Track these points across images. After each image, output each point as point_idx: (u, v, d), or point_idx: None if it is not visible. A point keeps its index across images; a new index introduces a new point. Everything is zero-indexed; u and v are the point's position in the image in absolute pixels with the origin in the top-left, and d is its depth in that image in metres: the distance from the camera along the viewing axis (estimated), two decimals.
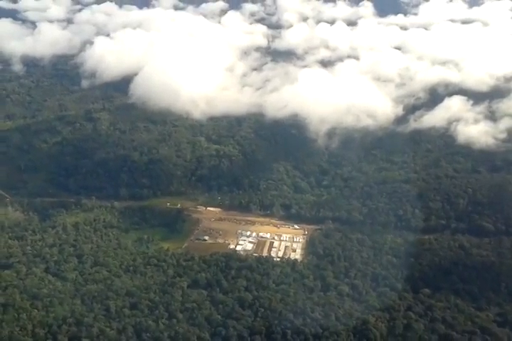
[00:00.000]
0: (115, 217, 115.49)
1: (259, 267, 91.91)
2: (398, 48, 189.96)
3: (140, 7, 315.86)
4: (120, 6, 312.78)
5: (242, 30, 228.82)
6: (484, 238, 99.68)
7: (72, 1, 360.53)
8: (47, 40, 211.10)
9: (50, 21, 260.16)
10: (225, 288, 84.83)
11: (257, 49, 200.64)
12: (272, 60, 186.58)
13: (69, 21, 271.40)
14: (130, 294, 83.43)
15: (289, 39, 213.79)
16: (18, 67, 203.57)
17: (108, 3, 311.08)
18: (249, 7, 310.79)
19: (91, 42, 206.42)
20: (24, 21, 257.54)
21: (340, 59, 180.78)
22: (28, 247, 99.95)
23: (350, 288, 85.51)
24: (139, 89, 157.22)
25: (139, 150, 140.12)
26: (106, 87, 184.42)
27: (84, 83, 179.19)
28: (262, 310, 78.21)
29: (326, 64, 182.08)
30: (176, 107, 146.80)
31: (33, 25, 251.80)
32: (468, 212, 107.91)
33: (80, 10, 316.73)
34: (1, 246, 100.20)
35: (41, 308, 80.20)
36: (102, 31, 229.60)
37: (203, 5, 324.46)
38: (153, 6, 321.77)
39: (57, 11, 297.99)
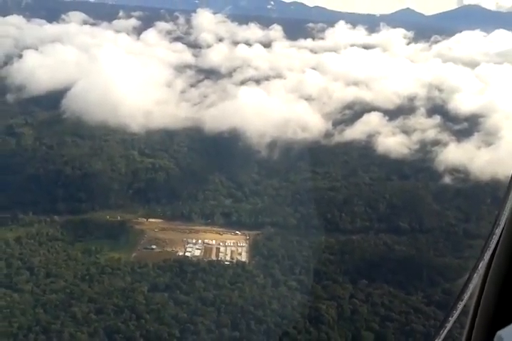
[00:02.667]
0: (57, 230, 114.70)
1: (212, 270, 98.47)
2: (314, 69, 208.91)
3: (49, 21, 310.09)
4: (28, 20, 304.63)
5: (165, 48, 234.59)
6: (402, 236, 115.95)
7: None
8: None
9: None
10: (185, 290, 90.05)
11: (186, 66, 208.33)
12: (205, 78, 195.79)
13: None
14: (93, 300, 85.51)
15: (211, 58, 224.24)
16: None
17: (15, 15, 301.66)
18: (162, 25, 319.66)
19: (13, 56, 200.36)
20: None
21: (266, 78, 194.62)
22: None
23: (297, 283, 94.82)
24: (72, 103, 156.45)
25: (70, 165, 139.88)
26: (26, 102, 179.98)
27: (10, 97, 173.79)
28: (224, 306, 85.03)
29: (253, 82, 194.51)
30: (111, 121, 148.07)
31: None
32: (387, 214, 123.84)
33: None
34: None
35: (2, 320, 79.87)
36: (22, 44, 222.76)
37: (115, 21, 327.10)
38: (64, 21, 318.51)
39: None
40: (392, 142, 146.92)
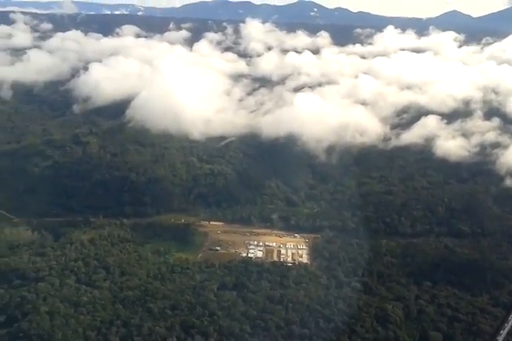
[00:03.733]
0: (127, 232, 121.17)
1: (275, 270, 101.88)
2: (366, 74, 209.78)
3: (105, 35, 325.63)
4: (85, 34, 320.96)
5: (217, 58, 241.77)
6: (463, 239, 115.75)
7: (31, 28, 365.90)
8: (36, 67, 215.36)
9: (18, 49, 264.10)
10: (252, 289, 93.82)
11: (240, 75, 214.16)
12: (260, 86, 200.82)
13: (37, 48, 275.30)
14: (167, 297, 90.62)
15: (263, 66, 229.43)
16: (6, 93, 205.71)
17: (74, 30, 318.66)
18: (211, 36, 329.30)
19: (79, 69, 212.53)
20: (7, 49, 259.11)
21: (319, 84, 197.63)
22: (53, 262, 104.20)
23: (361, 285, 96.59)
24: (135, 112, 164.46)
25: (134, 171, 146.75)
26: (91, 112, 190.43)
27: (76, 108, 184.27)
28: (291, 304, 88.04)
29: (306, 89, 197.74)
30: (172, 129, 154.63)
31: (16, 52, 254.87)
32: (447, 218, 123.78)
33: (42, 37, 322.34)
34: (26, 262, 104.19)
35: (86, 314, 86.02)
36: (84, 58, 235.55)
37: (166, 33, 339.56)
38: (118, 34, 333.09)
39: (22, 38, 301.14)
40: (451, 145, 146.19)
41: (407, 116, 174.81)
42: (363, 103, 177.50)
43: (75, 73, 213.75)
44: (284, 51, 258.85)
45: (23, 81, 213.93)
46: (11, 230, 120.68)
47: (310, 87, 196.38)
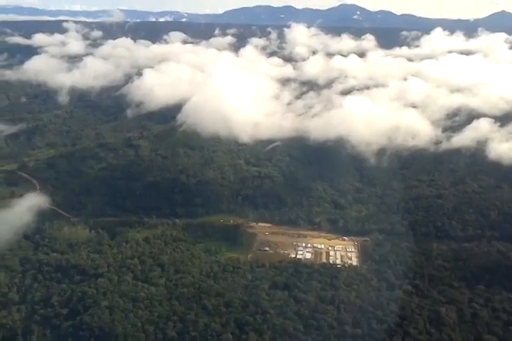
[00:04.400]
0: (180, 232, 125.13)
1: (325, 272, 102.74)
2: (415, 77, 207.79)
3: (153, 42, 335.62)
4: (135, 41, 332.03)
5: (264, 62, 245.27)
6: None
7: (83, 36, 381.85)
8: (91, 73, 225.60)
9: (73, 56, 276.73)
10: (303, 289, 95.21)
11: (288, 79, 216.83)
12: (308, 89, 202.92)
13: (90, 55, 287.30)
14: (220, 295, 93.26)
15: (310, 70, 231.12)
16: (64, 99, 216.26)
17: (124, 38, 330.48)
18: (256, 41, 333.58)
19: (132, 75, 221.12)
20: (63, 56, 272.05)
21: (367, 87, 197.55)
22: (111, 259, 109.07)
23: (412, 287, 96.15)
24: (186, 116, 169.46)
25: (185, 174, 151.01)
26: (142, 117, 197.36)
27: (129, 113, 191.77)
28: (343, 305, 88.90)
29: (354, 92, 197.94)
30: (221, 133, 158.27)
31: (71, 59, 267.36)
32: (499, 222, 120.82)
33: (93, 45, 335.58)
34: (85, 259, 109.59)
35: (144, 309, 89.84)
36: (136, 64, 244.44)
37: (212, 39, 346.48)
38: (165, 41, 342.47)
39: (76, 46, 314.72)
40: (504, 148, 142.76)
41: (458, 119, 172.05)
42: (413, 106, 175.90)
43: (128, 79, 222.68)
44: (330, 55, 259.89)
45: (80, 87, 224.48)
46: (70, 229, 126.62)
47: (358, 90, 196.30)
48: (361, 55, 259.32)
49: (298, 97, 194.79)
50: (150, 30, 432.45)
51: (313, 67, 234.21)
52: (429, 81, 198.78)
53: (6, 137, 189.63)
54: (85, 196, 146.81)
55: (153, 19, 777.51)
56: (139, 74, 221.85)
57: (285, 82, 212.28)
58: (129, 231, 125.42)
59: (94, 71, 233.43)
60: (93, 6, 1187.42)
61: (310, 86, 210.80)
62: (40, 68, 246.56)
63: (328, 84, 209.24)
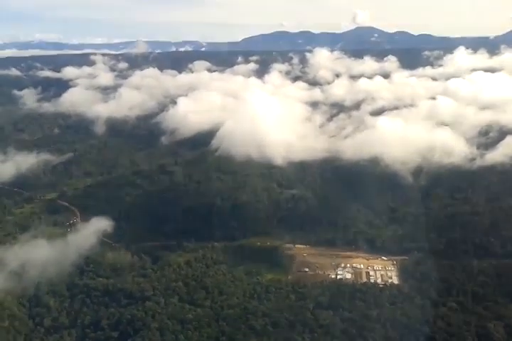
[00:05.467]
0: (219, 255, 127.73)
1: (368, 291, 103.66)
2: (443, 96, 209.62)
3: (178, 71, 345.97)
4: (161, 71, 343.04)
5: (290, 87, 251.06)
6: None
7: (110, 68, 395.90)
8: (126, 103, 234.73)
9: (104, 87, 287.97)
10: (347, 308, 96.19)
11: (316, 102, 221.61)
12: (338, 111, 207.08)
13: (120, 86, 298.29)
14: (266, 315, 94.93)
15: (336, 92, 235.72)
16: (100, 129, 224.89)
17: (150, 68, 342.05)
18: (279, 67, 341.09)
19: (164, 104, 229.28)
20: (96, 88, 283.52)
21: (396, 107, 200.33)
22: (156, 283, 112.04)
23: (457, 304, 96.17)
24: (221, 142, 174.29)
25: (219, 198, 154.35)
26: (176, 143, 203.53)
27: (164, 140, 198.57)
28: (389, 323, 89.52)
29: (382, 112, 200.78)
30: (254, 156, 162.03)
31: (104, 90, 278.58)
32: None
33: (121, 76, 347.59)
34: (130, 283, 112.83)
35: (193, 330, 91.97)
36: (167, 93, 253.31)
37: (235, 67, 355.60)
38: (190, 70, 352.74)
39: (105, 77, 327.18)
40: None
41: (491, 136, 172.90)
42: (444, 124, 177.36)
43: (161, 107, 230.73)
44: (354, 77, 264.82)
45: (114, 116, 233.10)
46: (113, 254, 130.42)
47: (387, 110, 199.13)
48: (385, 76, 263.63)
49: (328, 119, 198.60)
50: (173, 59, 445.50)
51: (340, 90, 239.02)
52: (458, 99, 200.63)
53: (44, 167, 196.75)
54: (124, 222, 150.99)
55: (174, 49, 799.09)
56: (173, 102, 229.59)
57: (314, 104, 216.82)
58: (170, 255, 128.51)
59: (128, 101, 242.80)
60: (114, 38, 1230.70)
61: (339, 108, 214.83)
62: (76, 100, 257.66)
63: (357, 106, 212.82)
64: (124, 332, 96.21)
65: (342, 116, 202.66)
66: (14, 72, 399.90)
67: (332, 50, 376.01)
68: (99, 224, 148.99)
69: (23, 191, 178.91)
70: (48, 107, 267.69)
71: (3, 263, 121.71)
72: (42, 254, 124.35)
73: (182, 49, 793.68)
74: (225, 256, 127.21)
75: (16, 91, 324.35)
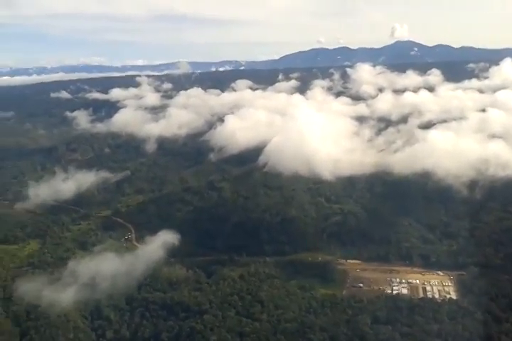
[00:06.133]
0: (271, 269, 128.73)
1: (426, 306, 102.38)
2: (493, 108, 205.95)
3: (221, 90, 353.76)
4: (205, 90, 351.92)
5: (334, 102, 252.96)
6: None
7: (154, 88, 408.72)
8: (174, 122, 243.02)
9: (151, 107, 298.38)
10: (406, 323, 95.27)
11: (361, 117, 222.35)
12: (384, 125, 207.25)
13: (165, 106, 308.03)
14: (324, 329, 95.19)
15: (381, 107, 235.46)
16: (151, 147, 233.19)
17: (194, 88, 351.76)
18: (319, 83, 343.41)
19: (212, 122, 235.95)
20: (146, 108, 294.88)
21: (444, 120, 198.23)
22: (211, 296, 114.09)
23: None
24: (268, 158, 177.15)
25: (268, 213, 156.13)
26: (221, 161, 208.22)
27: (209, 158, 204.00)
28: (451, 338, 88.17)
29: (431, 126, 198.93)
30: (302, 172, 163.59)
31: (153, 110, 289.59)
32: None
33: (166, 96, 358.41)
34: (187, 297, 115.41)
35: None
36: (214, 112, 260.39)
37: (277, 84, 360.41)
38: (233, 88, 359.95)
39: (151, 98, 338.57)
40: None
41: None
42: (496, 136, 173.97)
43: (209, 126, 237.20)
44: (397, 91, 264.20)
45: (163, 135, 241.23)
46: (168, 269, 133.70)
47: (435, 123, 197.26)
48: (430, 89, 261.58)
49: (376, 133, 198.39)
50: (214, 79, 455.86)
51: (384, 104, 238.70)
52: (508, 111, 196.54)
53: (98, 185, 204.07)
54: (177, 237, 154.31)
55: (214, 69, 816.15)
56: (220, 120, 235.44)
57: (360, 119, 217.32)
58: (222, 270, 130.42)
59: (177, 120, 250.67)
60: (154, 60, 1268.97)
61: (386, 122, 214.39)
62: (127, 120, 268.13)
63: (404, 120, 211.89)
64: None
65: (390, 130, 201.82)
66: (64, 94, 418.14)
67: (373, 65, 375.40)
68: (153, 240, 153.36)
69: (79, 208, 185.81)
70: (100, 127, 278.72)
71: (64, 278, 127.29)
72: (100, 269, 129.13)
73: (222, 69, 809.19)
74: (277, 271, 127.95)
75: (68, 113, 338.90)
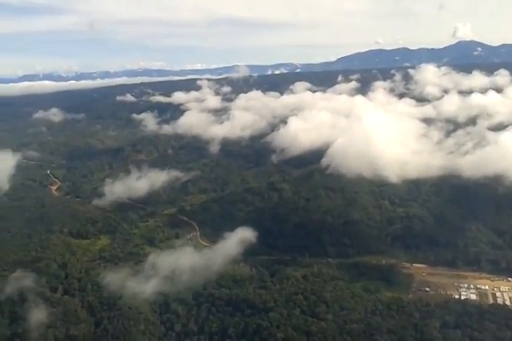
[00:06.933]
0: (335, 271, 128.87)
1: (497, 312, 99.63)
2: None
3: (280, 92, 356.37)
4: (264, 93, 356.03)
5: (397, 103, 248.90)
6: None
7: (214, 92, 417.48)
8: (238, 125, 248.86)
9: (213, 109, 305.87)
10: (477, 329, 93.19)
11: (427, 118, 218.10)
12: (452, 127, 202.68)
13: (226, 109, 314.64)
14: (391, 331, 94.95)
15: (447, 109, 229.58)
16: (210, 149, 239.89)
17: (254, 91, 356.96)
18: (380, 84, 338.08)
19: (274, 123, 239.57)
20: (208, 111, 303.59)
21: None
22: (276, 295, 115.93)
23: None
24: (332, 159, 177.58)
25: (330, 215, 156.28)
26: (282, 162, 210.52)
27: (270, 159, 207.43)
28: None
29: (502, 128, 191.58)
30: (366, 174, 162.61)
31: (216, 112, 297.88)
32: None
33: (226, 99, 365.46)
34: (252, 294, 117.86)
35: None
36: (275, 114, 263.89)
37: (336, 86, 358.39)
38: (292, 91, 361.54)
39: (212, 100, 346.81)
40: None
41: None
42: None
43: (270, 128, 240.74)
44: (463, 92, 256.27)
45: (226, 137, 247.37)
46: (233, 266, 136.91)
47: (507, 125, 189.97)
48: (498, 90, 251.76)
49: (444, 135, 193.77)
50: (271, 82, 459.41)
51: (451, 106, 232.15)
52: None
53: (163, 184, 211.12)
54: (240, 236, 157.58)
55: (270, 72, 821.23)
56: (283, 122, 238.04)
57: (426, 121, 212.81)
58: (285, 269, 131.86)
59: (240, 122, 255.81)
60: (211, 63, 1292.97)
61: (453, 124, 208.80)
62: (192, 122, 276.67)
63: (472, 122, 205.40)
64: (251, 340, 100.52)
65: (459, 132, 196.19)
66: (129, 97, 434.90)
67: (438, 66, 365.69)
68: (217, 238, 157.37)
69: (145, 206, 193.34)
70: (167, 129, 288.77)
71: (133, 272, 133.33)
72: (167, 265, 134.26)
73: (277, 71, 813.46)
74: (341, 273, 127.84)
75: (135, 115, 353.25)
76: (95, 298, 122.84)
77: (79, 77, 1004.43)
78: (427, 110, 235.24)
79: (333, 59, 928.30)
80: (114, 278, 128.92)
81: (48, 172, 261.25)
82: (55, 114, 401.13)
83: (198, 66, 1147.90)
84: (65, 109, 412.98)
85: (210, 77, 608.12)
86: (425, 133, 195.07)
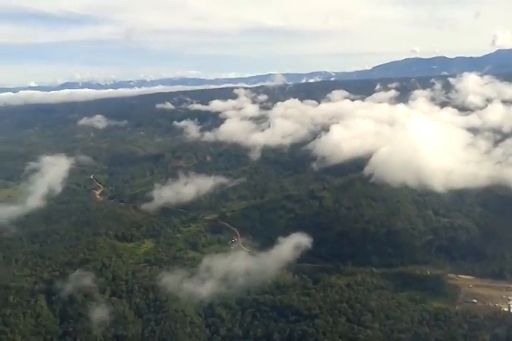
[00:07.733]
0: (379, 280, 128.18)
1: None
2: None
3: (317, 101, 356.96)
4: (301, 101, 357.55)
5: (439, 113, 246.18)
6: None
7: (251, 100, 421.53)
8: (279, 132, 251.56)
9: (251, 117, 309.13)
10: None
11: (472, 128, 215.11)
12: (500, 137, 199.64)
13: (264, 117, 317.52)
14: None
15: (491, 118, 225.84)
16: (248, 156, 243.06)
17: (291, 99, 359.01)
18: (420, 93, 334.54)
19: (315, 131, 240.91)
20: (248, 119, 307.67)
21: None
22: (320, 302, 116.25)
23: None
24: (375, 168, 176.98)
25: (372, 224, 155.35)
26: (322, 170, 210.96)
27: (309, 167, 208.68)
28: None
29: None
30: (410, 183, 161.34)
31: (256, 120, 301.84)
32: None
33: (263, 107, 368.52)
34: (296, 301, 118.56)
35: None
36: (315, 122, 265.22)
37: (375, 94, 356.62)
38: (329, 99, 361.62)
39: (250, 109, 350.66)
40: None
41: None
42: None
43: (311, 136, 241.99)
44: (507, 102, 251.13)
45: (269, 144, 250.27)
46: (276, 273, 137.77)
47: None
48: None
49: (491, 145, 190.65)
50: (307, 90, 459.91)
51: (495, 115, 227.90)
52: None
53: (203, 190, 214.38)
54: (282, 243, 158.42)
55: (305, 80, 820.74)
56: (324, 130, 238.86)
57: (471, 130, 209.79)
58: (329, 277, 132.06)
59: (280, 130, 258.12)
60: (245, 72, 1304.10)
61: (500, 134, 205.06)
62: (232, 130, 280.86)
63: None
64: None
65: (507, 141, 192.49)
66: (168, 105, 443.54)
67: (480, 75, 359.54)
68: (258, 244, 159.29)
69: (187, 211, 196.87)
70: (208, 136, 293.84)
71: (178, 276, 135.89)
72: (211, 269, 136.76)
73: (312, 80, 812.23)
74: (385, 282, 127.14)
75: (176, 123, 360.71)
76: (142, 300, 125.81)
77: (116, 85, 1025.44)
78: (471, 119, 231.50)
79: (368, 67, 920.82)
80: (159, 281, 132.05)
81: (92, 177, 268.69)
82: (99, 121, 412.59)
83: (232, 75, 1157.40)
84: (107, 116, 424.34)
85: (245, 85, 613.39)
86: (471, 143, 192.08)
